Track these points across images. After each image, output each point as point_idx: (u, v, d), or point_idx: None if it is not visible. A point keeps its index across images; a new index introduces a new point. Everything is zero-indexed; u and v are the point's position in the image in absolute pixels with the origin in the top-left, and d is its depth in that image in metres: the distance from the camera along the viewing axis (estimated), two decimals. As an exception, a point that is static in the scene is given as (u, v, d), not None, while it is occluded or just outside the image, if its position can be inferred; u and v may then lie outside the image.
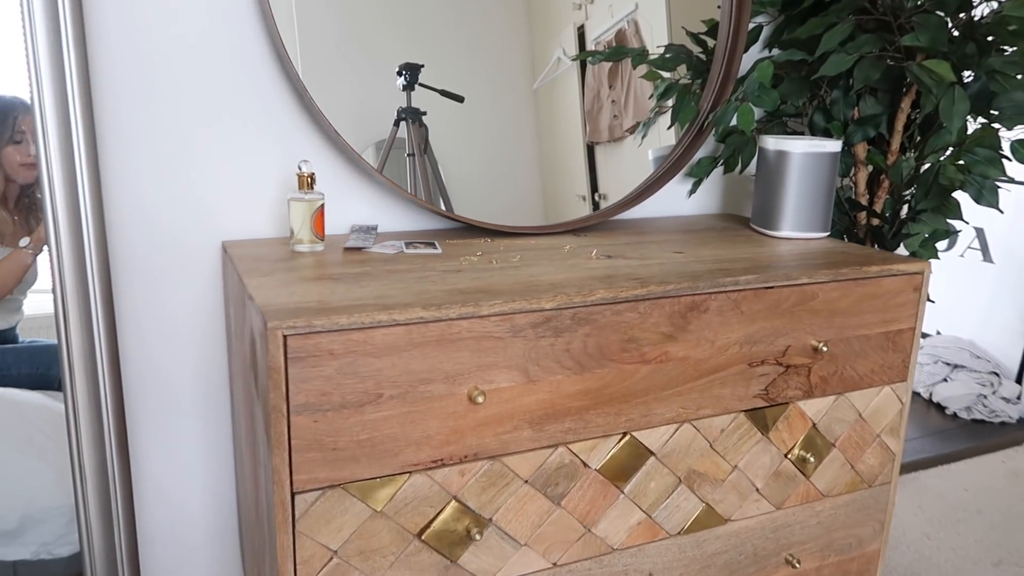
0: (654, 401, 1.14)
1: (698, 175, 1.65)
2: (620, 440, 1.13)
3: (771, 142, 1.43)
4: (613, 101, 1.57)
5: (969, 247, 3.10)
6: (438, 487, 1.02)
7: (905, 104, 1.51)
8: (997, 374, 2.89)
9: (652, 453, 1.17)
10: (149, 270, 1.27)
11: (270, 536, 0.98)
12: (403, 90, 1.34)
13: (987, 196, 1.45)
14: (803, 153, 1.40)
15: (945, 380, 2.91)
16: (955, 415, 2.81)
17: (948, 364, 2.93)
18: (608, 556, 1.18)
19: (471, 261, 1.20)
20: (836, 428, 1.33)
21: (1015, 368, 2.95)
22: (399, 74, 1.34)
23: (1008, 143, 1.45)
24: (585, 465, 1.12)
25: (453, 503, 1.04)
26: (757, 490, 1.28)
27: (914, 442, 2.59)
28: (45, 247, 1.23)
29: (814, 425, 1.30)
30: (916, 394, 2.99)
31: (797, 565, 1.33)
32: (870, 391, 1.34)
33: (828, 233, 1.49)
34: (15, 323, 1.98)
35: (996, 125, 1.44)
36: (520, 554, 1.10)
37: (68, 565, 1.69)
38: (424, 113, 1.37)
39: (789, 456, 1.29)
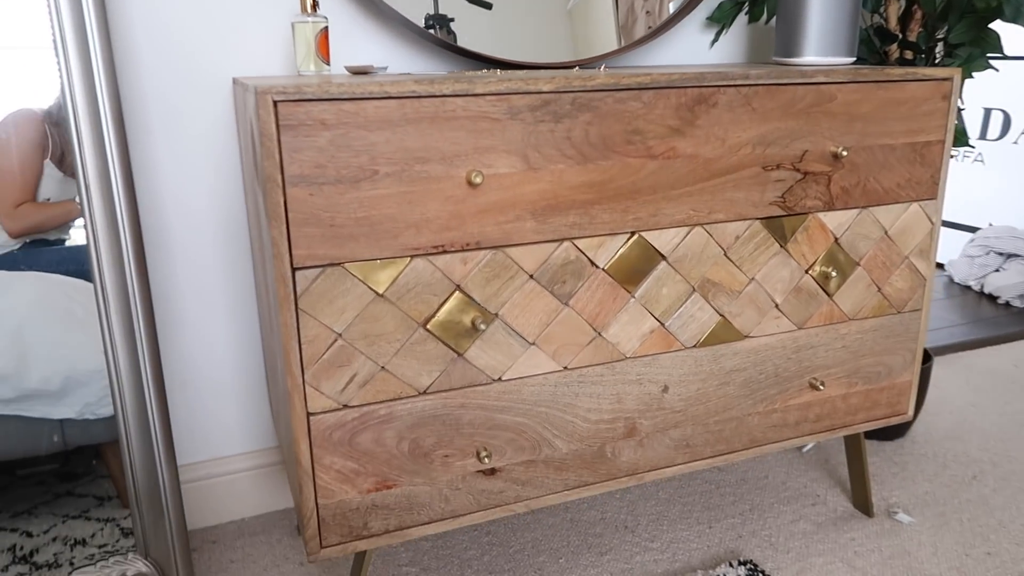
0: (663, 200, 1.12)
1: (720, 20, 1.60)
2: (628, 239, 1.11)
3: (790, -42, 1.37)
4: (648, 12, 1.52)
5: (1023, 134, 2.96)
6: (440, 274, 1.02)
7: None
8: (1054, 260, 2.77)
9: (663, 256, 1.15)
10: (163, 113, 1.29)
11: (275, 316, 0.99)
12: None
13: (1025, 8, 1.37)
14: (823, -35, 1.34)
15: (997, 271, 2.80)
16: (1008, 304, 2.71)
17: (1001, 254, 2.82)
18: (621, 363, 1.17)
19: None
20: (860, 245, 1.28)
21: (1074, 255, 2.82)
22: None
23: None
24: (592, 264, 1.10)
25: (457, 293, 1.04)
26: (776, 306, 1.25)
27: (963, 327, 2.50)
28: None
29: (836, 240, 1.26)
30: (967, 287, 2.89)
31: (821, 387, 1.30)
32: (896, 207, 1.29)
33: (854, 59, 1.43)
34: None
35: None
36: (529, 354, 1.10)
37: (108, 425, 1.76)
38: (452, 20, 1.35)
39: (810, 272, 1.26)
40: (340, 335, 0.99)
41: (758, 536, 1.46)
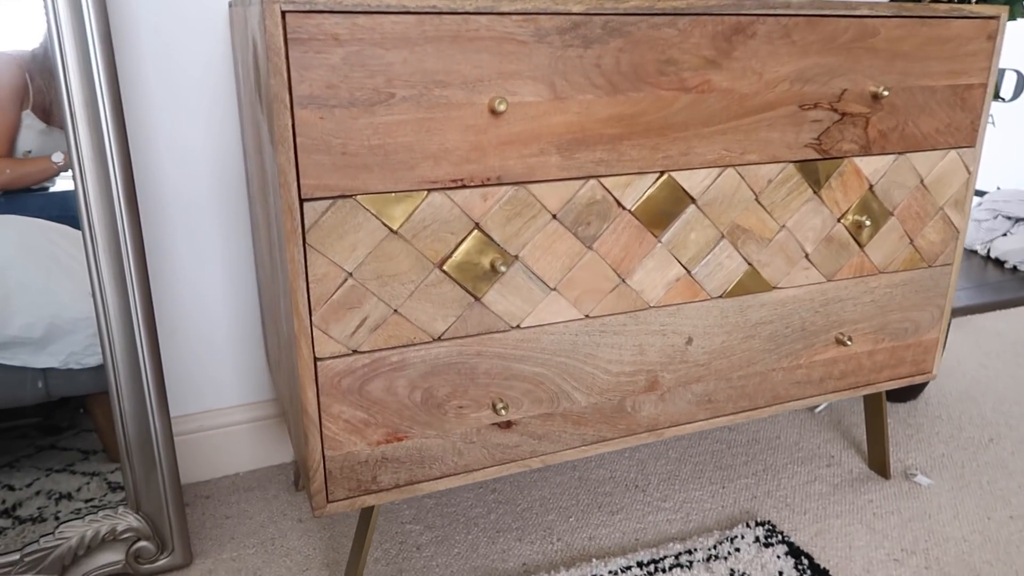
0: (694, 138, 1.04)
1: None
2: (657, 179, 1.04)
3: None
4: None
5: (1036, 95, 2.90)
6: (459, 211, 0.94)
7: None
8: (1062, 225, 2.73)
9: (692, 199, 1.07)
10: (154, 39, 1.20)
11: (280, 253, 0.92)
12: None
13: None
14: None
15: (1005, 235, 2.75)
16: (1015, 268, 2.67)
17: (1009, 218, 2.77)
18: (644, 313, 1.10)
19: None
20: (895, 194, 1.22)
21: (1082, 220, 2.78)
22: None
23: None
24: (619, 204, 1.03)
25: (476, 232, 0.96)
26: (806, 256, 1.19)
27: (969, 291, 2.46)
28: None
29: (871, 188, 1.19)
30: (972, 251, 2.85)
31: (849, 343, 1.24)
32: (934, 154, 1.22)
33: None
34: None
35: None
36: (550, 299, 1.03)
37: (95, 376, 1.68)
38: None
39: (843, 221, 1.19)
40: (351, 274, 0.92)
41: (773, 497, 1.42)
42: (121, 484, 1.52)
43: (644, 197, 1.04)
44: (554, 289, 1.03)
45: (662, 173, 1.04)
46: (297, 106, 0.84)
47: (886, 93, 1.11)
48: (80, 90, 1.05)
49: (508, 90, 0.92)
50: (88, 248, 1.16)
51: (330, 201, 0.88)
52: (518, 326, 1.03)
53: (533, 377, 1.06)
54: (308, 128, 0.85)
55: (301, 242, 0.88)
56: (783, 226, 1.15)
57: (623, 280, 1.07)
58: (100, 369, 1.73)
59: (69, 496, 1.45)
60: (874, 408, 1.44)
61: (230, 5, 1.19)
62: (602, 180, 1.01)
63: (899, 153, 1.19)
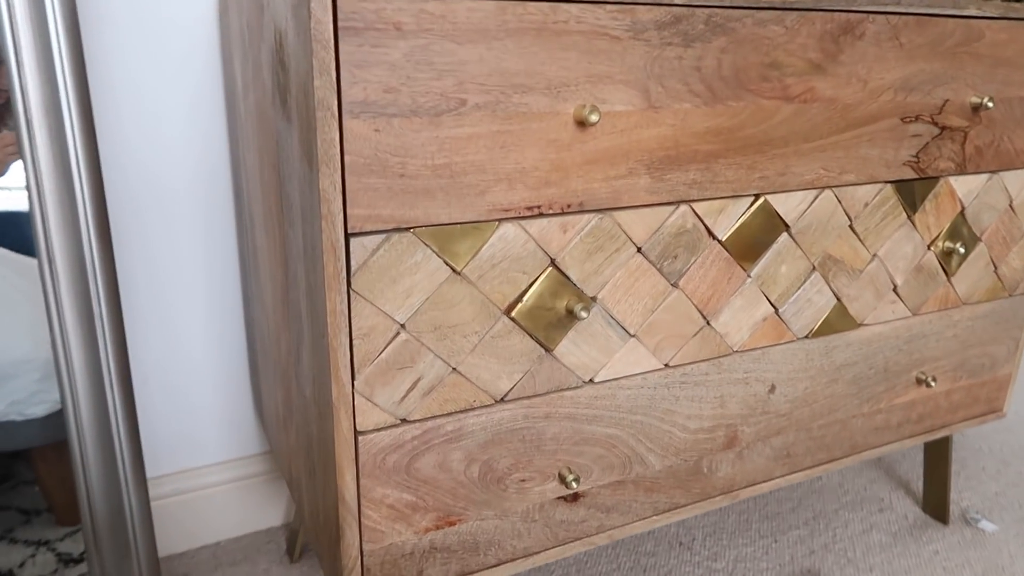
0: (794, 155, 0.88)
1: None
2: (752, 204, 0.88)
3: None
4: None
5: None
6: (533, 245, 0.76)
7: None
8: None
9: (786, 226, 0.92)
10: (127, 16, 0.98)
11: (313, 300, 0.72)
12: None
13: None
14: None
15: None
16: None
17: None
18: (727, 359, 0.94)
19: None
20: (984, 217, 1.09)
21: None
22: None
23: None
24: (709, 234, 0.87)
25: (551, 271, 0.78)
26: (895, 288, 1.04)
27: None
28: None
29: (962, 211, 1.06)
30: None
31: (932, 384, 1.11)
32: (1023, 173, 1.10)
33: None
34: None
35: None
36: (628, 348, 0.86)
37: (44, 426, 1.43)
38: None
39: (932, 248, 1.05)
40: (403, 326, 0.73)
41: (832, 551, 1.27)
42: (75, 556, 1.28)
43: (737, 225, 0.88)
44: (633, 336, 0.86)
45: (757, 196, 0.88)
46: (347, 115, 0.64)
47: (990, 105, 0.98)
48: (39, 90, 0.83)
49: (597, 97, 0.75)
50: (46, 279, 0.93)
51: (383, 236, 0.69)
52: (591, 380, 0.85)
53: (605, 440, 0.88)
54: (360, 143, 0.66)
55: (345, 288, 0.69)
56: (875, 255, 1.01)
57: (708, 322, 0.91)
58: (51, 418, 1.48)
59: (10, 574, 1.22)
60: (939, 450, 1.31)
61: (221, -10, 0.98)
62: (693, 205, 0.84)
63: (992, 172, 1.07)
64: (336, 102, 0.64)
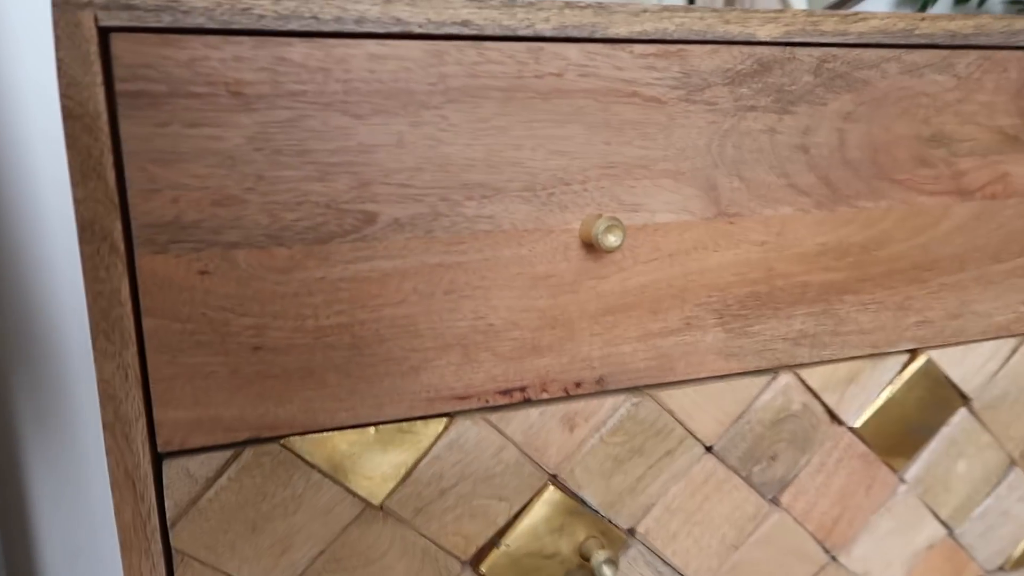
0: (974, 285, 0.53)
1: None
2: (906, 367, 0.53)
3: None
4: None
5: None
6: (516, 453, 0.44)
7: None
8: None
9: (964, 398, 0.56)
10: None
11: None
12: None
13: None
14: None
15: None
16: None
17: None
18: (869, 613, 0.57)
19: None
20: None
21: None
22: None
23: None
24: (833, 418, 0.52)
25: (550, 492, 0.46)
26: None
27: None
28: None
29: None
30: None
31: None
32: None
33: None
34: None
35: None
36: (695, 607, 0.51)
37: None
38: None
39: None
40: (278, 602, 0.42)
41: None
42: None
43: (880, 401, 0.53)
44: (704, 588, 0.51)
45: (914, 353, 0.53)
46: (143, 248, 0.36)
47: None
48: None
49: (621, 201, 0.43)
50: None
51: (227, 454, 0.39)
52: (633, 662, 0.51)
53: None
54: (172, 297, 0.37)
55: (160, 547, 0.39)
56: (1113, 436, 0.62)
57: (833, 557, 0.55)
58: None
59: None
60: None
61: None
62: (802, 373, 0.50)
63: None
64: (120, 226, 0.35)
